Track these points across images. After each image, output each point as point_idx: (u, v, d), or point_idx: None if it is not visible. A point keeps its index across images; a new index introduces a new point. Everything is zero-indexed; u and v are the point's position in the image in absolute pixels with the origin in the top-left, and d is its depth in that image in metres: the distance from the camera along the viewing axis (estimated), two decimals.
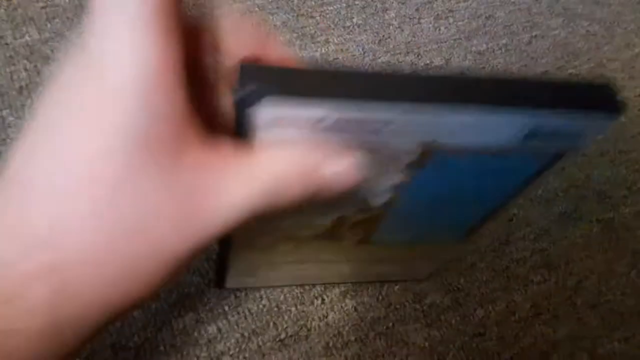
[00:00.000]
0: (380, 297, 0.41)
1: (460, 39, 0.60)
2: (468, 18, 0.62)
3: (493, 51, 0.60)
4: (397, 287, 0.41)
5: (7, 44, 0.47)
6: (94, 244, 0.18)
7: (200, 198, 0.19)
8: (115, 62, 0.17)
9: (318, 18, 0.58)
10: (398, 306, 0.41)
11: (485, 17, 0.63)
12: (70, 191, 0.17)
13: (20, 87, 0.45)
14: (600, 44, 0.63)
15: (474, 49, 0.59)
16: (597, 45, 0.63)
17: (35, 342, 0.17)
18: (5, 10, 0.50)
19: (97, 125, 0.17)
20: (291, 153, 0.20)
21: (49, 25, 0.50)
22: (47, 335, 0.18)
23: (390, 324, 0.40)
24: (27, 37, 0.48)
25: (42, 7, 0.51)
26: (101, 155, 0.17)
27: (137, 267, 0.18)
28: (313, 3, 0.58)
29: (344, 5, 0.59)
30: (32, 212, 0.17)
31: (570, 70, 0.59)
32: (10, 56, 0.47)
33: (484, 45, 0.60)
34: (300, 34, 0.56)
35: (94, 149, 0.17)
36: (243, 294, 0.39)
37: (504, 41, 0.61)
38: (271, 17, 0.56)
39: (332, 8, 0.59)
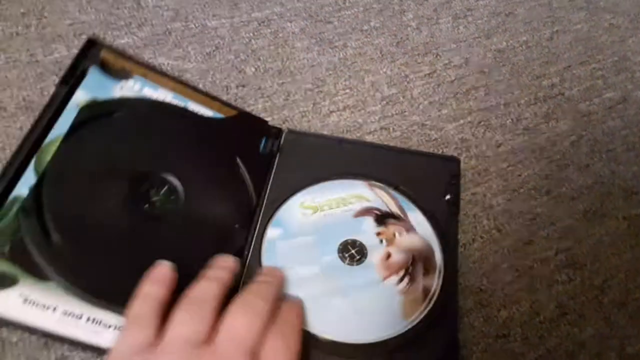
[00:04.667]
0: None
1: (480, 37, 0.59)
2: (487, 16, 0.62)
3: (513, 48, 0.59)
4: None
5: (37, 61, 0.50)
6: None
7: None
8: None
9: (336, 23, 0.58)
10: None
11: (505, 14, 0.62)
12: None
13: None
14: (624, 37, 0.62)
15: (493, 47, 0.59)
16: (621, 38, 0.62)
17: None
18: (35, 28, 0.52)
19: None
20: None
21: (76, 41, 0.52)
22: None
23: None
24: (56, 54, 0.50)
25: (70, 24, 0.53)
26: None
27: None
28: (330, 9, 0.59)
29: (362, 9, 0.60)
30: None
31: (593, 65, 0.58)
32: (41, 72, 0.49)
33: (504, 43, 0.59)
34: (318, 39, 0.56)
35: None
36: None
37: (524, 38, 0.60)
38: (289, 24, 0.57)
39: (349, 12, 0.59)
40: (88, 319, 0.32)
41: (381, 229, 0.39)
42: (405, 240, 0.38)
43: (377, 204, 0.40)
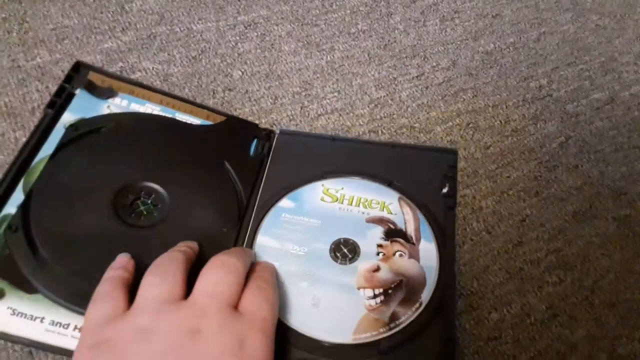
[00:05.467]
0: None
1: (467, 39, 0.59)
2: (474, 18, 0.62)
3: (501, 50, 0.59)
4: None
5: (19, 66, 0.49)
6: None
7: None
8: None
9: (323, 26, 0.58)
10: None
11: (492, 16, 0.62)
12: None
13: (33, 108, 0.46)
14: (611, 38, 0.62)
15: (481, 49, 0.59)
16: (607, 39, 0.62)
17: None
18: (17, 33, 0.51)
19: None
20: None
21: (59, 46, 0.51)
22: None
23: None
24: (38, 59, 0.50)
25: (52, 29, 0.52)
26: None
27: None
28: (317, 12, 0.59)
29: (349, 12, 0.59)
30: None
31: (580, 66, 0.59)
32: (23, 78, 0.48)
33: (492, 45, 0.59)
34: (305, 42, 0.56)
35: None
36: None
37: (511, 39, 0.60)
38: (276, 27, 0.57)
39: (336, 15, 0.59)
40: (75, 328, 0.32)
41: (385, 243, 0.38)
42: (403, 264, 0.37)
43: (397, 219, 0.39)
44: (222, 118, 0.43)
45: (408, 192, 0.40)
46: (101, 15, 0.54)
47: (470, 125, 0.52)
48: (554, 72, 0.58)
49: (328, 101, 0.52)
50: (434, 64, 0.56)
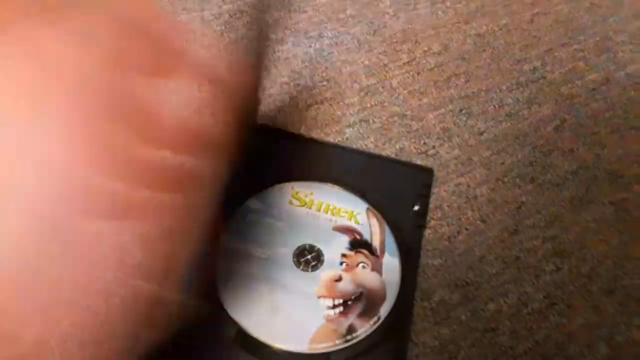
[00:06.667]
0: None
1: (459, 22, 0.58)
2: (466, 0, 0.60)
3: (493, 32, 0.58)
4: None
5: None
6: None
7: None
8: None
9: (311, 12, 0.56)
10: None
11: None
12: None
13: None
14: (606, 16, 0.61)
15: (473, 31, 0.57)
16: (602, 18, 0.60)
17: None
18: None
19: None
20: None
21: None
22: None
23: None
24: None
25: None
26: None
27: None
28: None
29: None
30: None
31: (575, 46, 0.57)
32: None
33: (484, 27, 0.58)
34: (293, 30, 0.55)
35: None
36: None
37: (504, 21, 0.59)
38: (263, 15, 0.55)
39: (324, 1, 0.57)
40: None
41: (350, 253, 0.38)
42: (365, 276, 0.37)
43: (364, 230, 0.39)
44: None
45: (378, 205, 0.40)
46: None
47: (464, 111, 0.51)
48: (548, 54, 0.56)
49: (317, 91, 0.50)
50: (425, 48, 0.55)
